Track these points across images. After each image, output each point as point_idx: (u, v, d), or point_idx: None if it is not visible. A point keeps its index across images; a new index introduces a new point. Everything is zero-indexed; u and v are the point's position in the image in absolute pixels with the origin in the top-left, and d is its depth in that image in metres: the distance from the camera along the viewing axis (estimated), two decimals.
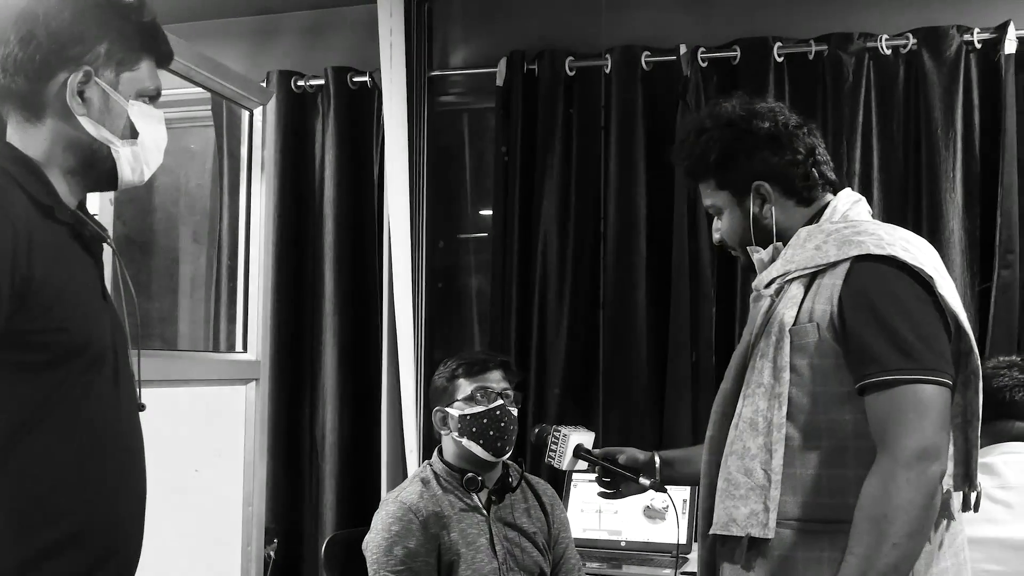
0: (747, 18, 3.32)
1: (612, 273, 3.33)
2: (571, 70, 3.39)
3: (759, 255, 1.83)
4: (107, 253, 1.58)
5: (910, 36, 3.16)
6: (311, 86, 3.60)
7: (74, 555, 1.37)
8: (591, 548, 3.04)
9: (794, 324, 1.68)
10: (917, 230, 3.04)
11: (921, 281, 1.63)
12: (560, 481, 3.12)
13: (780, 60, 3.23)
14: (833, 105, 3.18)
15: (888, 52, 3.17)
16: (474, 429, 2.38)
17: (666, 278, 3.29)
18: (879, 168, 3.18)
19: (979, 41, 3.10)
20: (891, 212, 3.14)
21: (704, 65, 3.28)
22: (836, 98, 3.18)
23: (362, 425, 3.49)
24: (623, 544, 3.09)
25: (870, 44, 3.18)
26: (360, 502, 3.41)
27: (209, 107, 3.48)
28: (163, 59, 1.58)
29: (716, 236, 1.92)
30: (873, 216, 3.04)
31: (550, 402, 3.34)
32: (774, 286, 1.75)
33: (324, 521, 3.46)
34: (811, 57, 3.22)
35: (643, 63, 3.32)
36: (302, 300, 3.59)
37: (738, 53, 3.26)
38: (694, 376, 3.23)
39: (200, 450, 2.48)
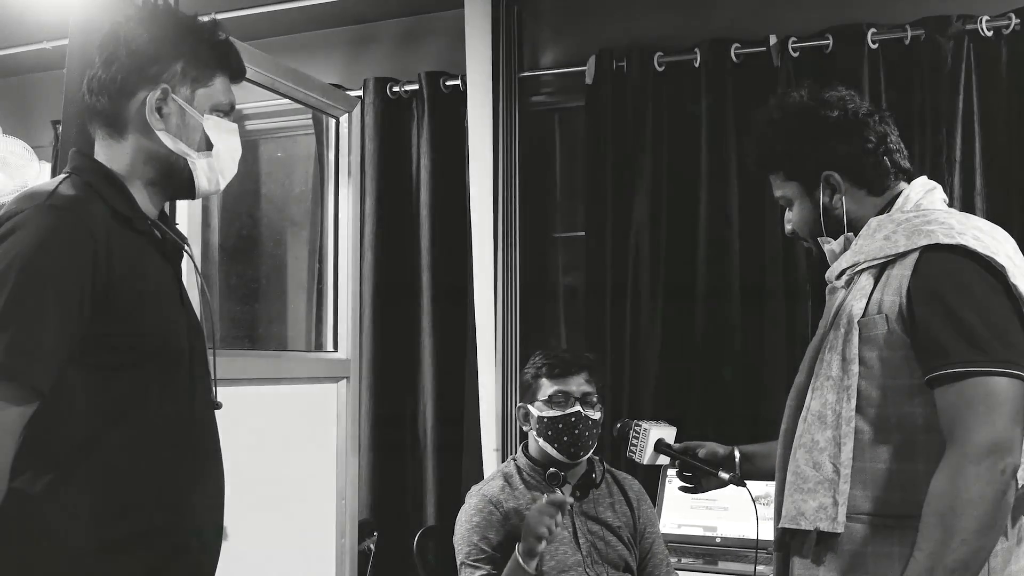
0: (839, 5, 3.24)
1: (705, 268, 3.30)
2: (660, 66, 3.38)
3: (830, 246, 1.81)
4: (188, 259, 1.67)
5: (1012, 16, 3.03)
6: (406, 91, 3.69)
7: (148, 547, 1.46)
8: (686, 544, 3.03)
9: (863, 316, 1.65)
10: (1023, 218, 2.97)
11: (994, 271, 1.59)
12: (655, 477, 3.12)
13: (875, 47, 3.15)
14: (931, 92, 3.09)
15: (989, 34, 3.05)
16: (550, 432, 2.41)
17: (760, 272, 3.25)
18: (981, 155, 3.07)
19: None
20: (995, 199, 3.04)
21: (796, 55, 3.21)
22: (934, 84, 3.08)
23: (461, 420, 3.56)
24: (718, 540, 3.07)
25: (969, 26, 3.06)
26: (461, 496, 3.47)
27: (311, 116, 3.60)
28: (236, 75, 1.66)
29: (788, 228, 1.90)
30: (977, 204, 3.01)
31: (644, 398, 3.34)
32: (844, 277, 1.73)
33: (426, 515, 3.54)
34: (907, 43, 3.13)
35: (733, 56, 3.28)
36: (401, 299, 3.67)
37: (831, 42, 3.19)
38: (789, 372, 3.17)
39: (294, 446, 2.58)
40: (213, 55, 1.61)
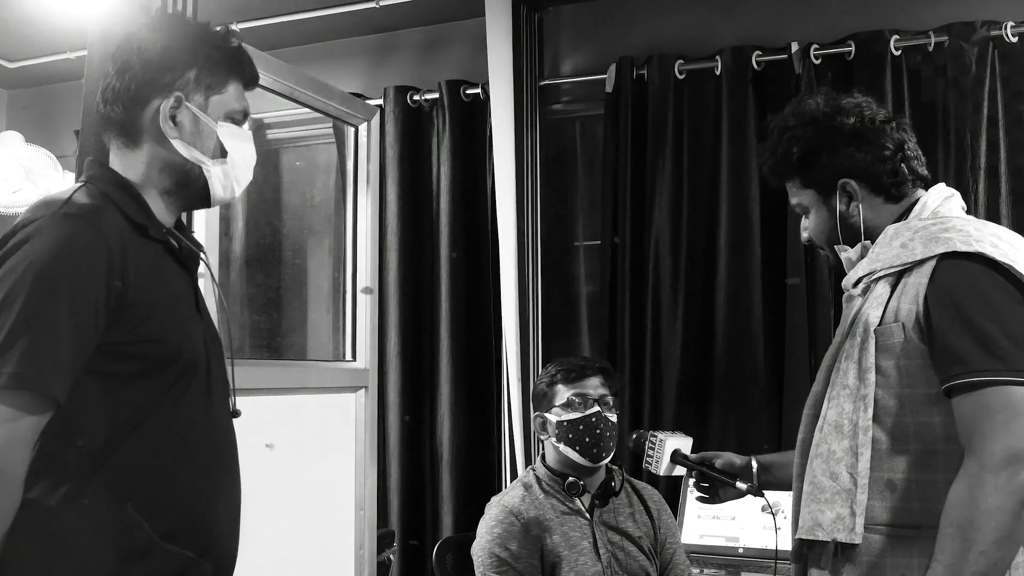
0: (861, 11, 3.22)
1: (726, 276, 3.28)
2: (681, 73, 3.36)
3: (847, 254, 1.79)
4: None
5: None
6: (426, 100, 3.69)
7: (164, 557, 1.45)
8: (708, 554, 3.00)
9: (879, 324, 1.64)
10: None
11: (1012, 279, 1.57)
12: (677, 488, 3.10)
13: (897, 54, 3.12)
14: (955, 98, 3.05)
15: (1014, 39, 3.02)
16: (571, 435, 2.40)
17: (781, 280, 3.23)
18: (1006, 160, 3.03)
19: None
20: (1021, 206, 3.00)
21: (817, 62, 3.18)
22: (958, 91, 3.05)
23: (479, 430, 3.55)
24: (741, 551, 3.04)
25: (994, 32, 3.03)
26: (479, 506, 3.45)
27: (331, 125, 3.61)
28: (250, 82, 1.67)
29: (804, 235, 1.89)
30: (1002, 211, 2.97)
31: (665, 407, 3.32)
32: (861, 285, 1.72)
33: (444, 525, 3.53)
34: (930, 49, 3.09)
35: (754, 63, 3.26)
36: (422, 309, 3.67)
37: (853, 48, 3.16)
38: (811, 379, 3.13)
39: (312, 456, 2.58)
40: (226, 62, 1.61)
